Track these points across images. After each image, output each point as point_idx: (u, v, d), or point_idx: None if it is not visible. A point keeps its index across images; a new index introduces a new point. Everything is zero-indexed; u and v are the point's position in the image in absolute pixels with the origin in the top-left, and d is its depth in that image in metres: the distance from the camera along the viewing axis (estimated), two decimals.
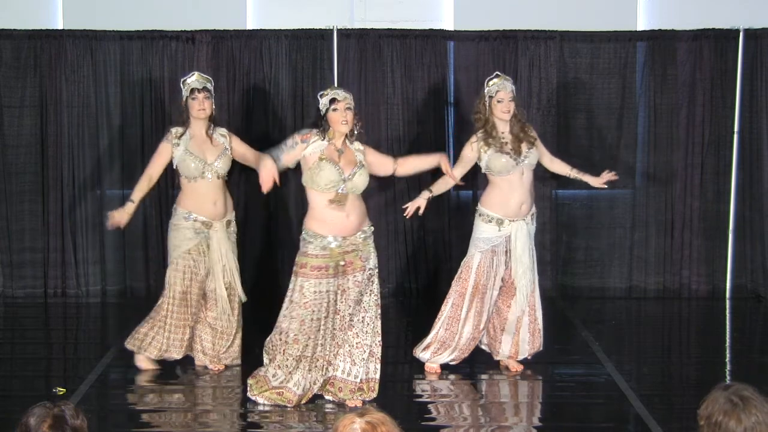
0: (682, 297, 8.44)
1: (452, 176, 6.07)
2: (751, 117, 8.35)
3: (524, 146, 6.14)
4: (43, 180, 8.29)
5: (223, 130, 6.41)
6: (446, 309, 6.36)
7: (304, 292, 5.62)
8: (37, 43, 8.18)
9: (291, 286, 5.71)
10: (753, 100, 8.33)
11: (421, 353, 6.42)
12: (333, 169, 5.57)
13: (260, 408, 5.70)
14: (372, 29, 8.28)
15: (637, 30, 8.37)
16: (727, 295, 8.47)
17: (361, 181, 5.66)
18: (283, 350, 5.67)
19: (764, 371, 6.47)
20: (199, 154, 6.22)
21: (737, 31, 8.26)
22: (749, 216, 8.44)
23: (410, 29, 8.26)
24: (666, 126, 8.35)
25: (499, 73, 6.31)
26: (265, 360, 5.79)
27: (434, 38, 8.26)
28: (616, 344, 7.22)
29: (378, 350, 5.76)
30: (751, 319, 8.20)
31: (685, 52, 8.28)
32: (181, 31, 8.20)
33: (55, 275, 8.35)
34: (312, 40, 8.25)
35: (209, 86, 6.30)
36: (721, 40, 8.27)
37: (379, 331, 5.76)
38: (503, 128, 6.17)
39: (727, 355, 7.08)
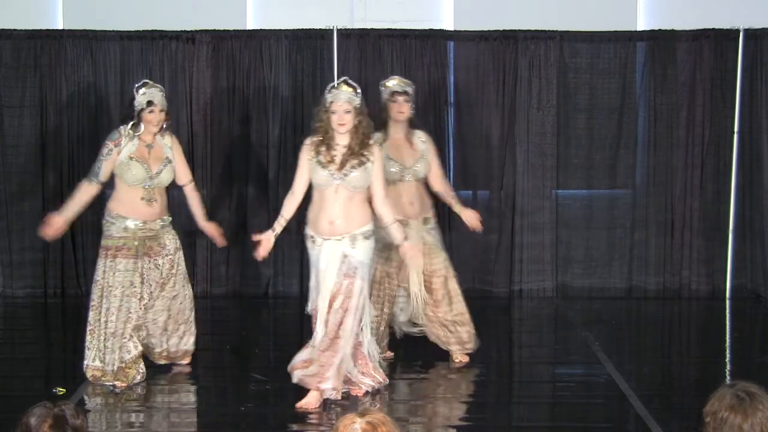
0: (682, 297, 8.43)
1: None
2: (751, 117, 8.35)
3: (351, 163, 5.55)
4: (43, 180, 8.29)
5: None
6: None
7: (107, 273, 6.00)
8: (37, 43, 8.18)
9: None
10: (753, 100, 8.33)
11: None
12: (141, 167, 5.92)
13: (260, 409, 5.70)
14: (372, 29, 8.28)
15: (637, 30, 8.37)
16: (727, 295, 8.47)
17: (167, 178, 6.04)
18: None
19: (764, 371, 6.46)
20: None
21: (737, 31, 8.26)
22: (749, 216, 8.43)
23: (410, 29, 8.26)
24: (666, 126, 8.35)
25: (346, 78, 5.76)
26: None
27: (434, 38, 8.26)
28: (616, 344, 7.22)
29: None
30: (751, 319, 8.20)
31: (685, 52, 8.28)
32: (181, 31, 8.20)
33: (55, 275, 8.35)
34: (312, 40, 8.25)
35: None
36: (721, 40, 8.26)
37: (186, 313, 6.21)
38: (341, 140, 5.60)
39: (727, 355, 7.08)
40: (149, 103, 5.97)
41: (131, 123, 5.98)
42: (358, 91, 5.65)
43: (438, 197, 6.64)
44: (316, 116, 5.70)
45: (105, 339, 5.94)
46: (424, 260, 6.21)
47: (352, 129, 5.58)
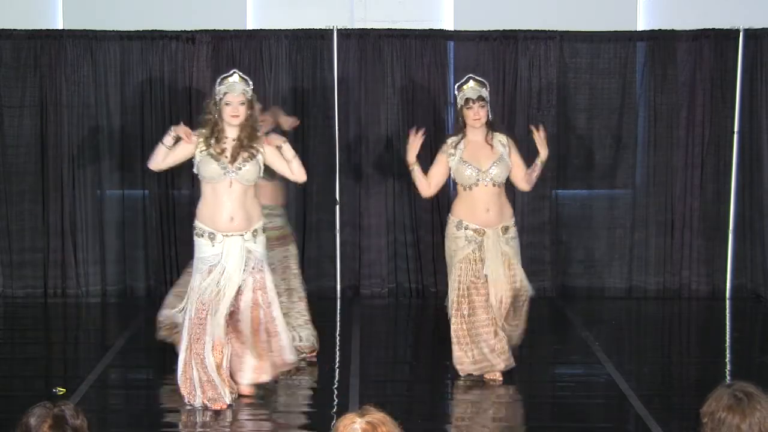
0: (682, 297, 8.42)
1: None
2: (751, 117, 8.35)
3: (242, 157, 5.50)
4: (43, 180, 8.28)
5: None
6: None
7: None
8: (37, 43, 8.18)
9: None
10: (753, 100, 8.33)
11: None
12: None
13: (253, 408, 5.71)
14: (372, 29, 8.28)
15: (637, 30, 8.37)
16: (727, 295, 8.46)
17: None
18: None
19: (764, 371, 6.47)
20: None
21: (737, 31, 8.26)
22: (749, 216, 8.43)
23: (410, 29, 8.26)
24: (666, 126, 8.35)
25: (236, 71, 5.72)
26: None
27: (434, 38, 8.26)
28: (616, 344, 7.22)
29: None
30: (751, 319, 8.20)
31: (685, 52, 8.28)
32: (181, 31, 8.20)
33: (55, 275, 8.34)
34: (312, 40, 8.25)
35: None
36: (721, 40, 8.26)
37: None
38: (230, 133, 5.57)
39: (727, 355, 7.09)
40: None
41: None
42: (250, 83, 5.65)
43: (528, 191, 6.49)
44: (204, 108, 5.68)
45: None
46: (502, 271, 6.06)
47: (243, 121, 5.56)
